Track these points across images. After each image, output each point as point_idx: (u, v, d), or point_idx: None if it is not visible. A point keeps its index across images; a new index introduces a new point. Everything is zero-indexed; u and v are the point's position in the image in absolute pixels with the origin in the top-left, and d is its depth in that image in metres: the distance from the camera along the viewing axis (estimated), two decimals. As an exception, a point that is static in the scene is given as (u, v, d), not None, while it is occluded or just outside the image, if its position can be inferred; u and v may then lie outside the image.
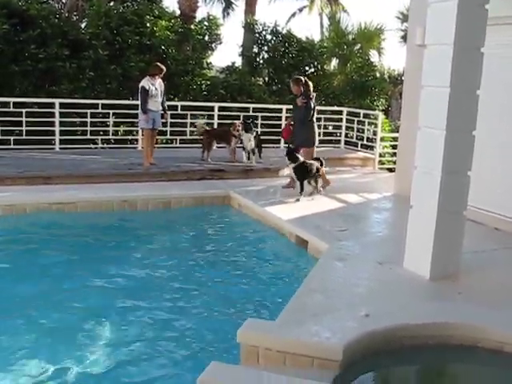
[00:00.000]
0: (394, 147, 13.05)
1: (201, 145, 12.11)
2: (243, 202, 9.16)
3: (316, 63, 17.86)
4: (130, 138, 14.00)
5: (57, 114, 12.46)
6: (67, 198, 8.73)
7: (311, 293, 5.16)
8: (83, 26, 16.29)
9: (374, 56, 20.65)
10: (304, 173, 9.23)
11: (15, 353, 4.56)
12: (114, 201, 8.87)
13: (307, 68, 17.68)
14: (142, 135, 11.71)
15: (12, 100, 12.26)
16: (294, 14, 32.11)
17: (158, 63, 11.40)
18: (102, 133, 13.57)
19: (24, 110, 12.23)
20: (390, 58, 24.89)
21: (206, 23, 16.73)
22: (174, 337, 4.93)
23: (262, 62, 17.99)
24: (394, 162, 11.89)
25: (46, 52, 13.73)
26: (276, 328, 4.27)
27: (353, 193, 10.06)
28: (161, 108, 11.06)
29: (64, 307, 5.40)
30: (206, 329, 5.07)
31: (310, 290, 5.23)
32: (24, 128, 12.21)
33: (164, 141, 13.81)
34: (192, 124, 13.42)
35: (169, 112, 11.59)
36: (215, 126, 13.38)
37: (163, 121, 11.47)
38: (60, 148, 12.42)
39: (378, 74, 18.74)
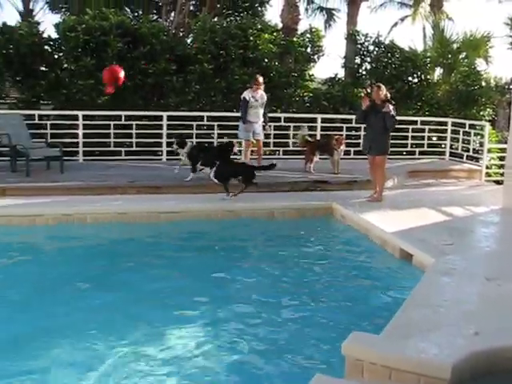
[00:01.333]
0: (502, 159, 12.61)
1: (304, 156, 12.24)
2: (346, 213, 9.15)
3: (419, 73, 17.52)
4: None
5: (164, 127, 13.01)
6: (176, 207, 9.08)
7: (417, 308, 5.10)
8: (189, 41, 16.88)
9: (480, 64, 19.99)
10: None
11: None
12: (219, 210, 9.15)
13: (410, 78, 17.38)
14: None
15: (123, 113, 12.94)
16: (395, 24, 31.63)
17: (257, 75, 11.71)
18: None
19: (134, 123, 12.89)
20: (497, 65, 24.02)
21: (308, 35, 16.83)
22: (279, 347, 5.01)
23: (364, 72, 17.90)
24: (502, 174, 11.49)
25: (155, 67, 14.32)
26: (381, 342, 4.27)
27: (458, 206, 9.81)
28: (261, 119, 11.31)
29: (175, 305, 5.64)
30: (309, 340, 5.12)
31: (416, 305, 5.16)
32: (134, 140, 12.85)
33: (267, 152, 14.05)
34: (295, 135, 13.57)
35: (272, 124, 11.82)
36: (318, 138, 13.47)
37: (265, 132, 11.72)
38: (167, 159, 12.93)
39: (484, 83, 18.11)
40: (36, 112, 13.06)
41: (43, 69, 14.59)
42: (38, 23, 15.35)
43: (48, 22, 17.58)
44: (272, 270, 7.01)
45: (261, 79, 11.46)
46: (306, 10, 25.37)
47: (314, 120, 14.12)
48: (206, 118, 13.40)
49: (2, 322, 5.30)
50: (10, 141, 11.23)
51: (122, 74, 9.49)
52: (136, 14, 20.69)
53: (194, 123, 13.31)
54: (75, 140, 12.76)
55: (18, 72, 14.31)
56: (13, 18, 25.47)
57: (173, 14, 21.00)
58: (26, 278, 6.60)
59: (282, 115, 13.90)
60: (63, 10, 21.79)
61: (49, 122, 12.84)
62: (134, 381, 4.36)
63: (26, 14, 20.95)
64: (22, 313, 5.56)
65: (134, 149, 12.95)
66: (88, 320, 5.37)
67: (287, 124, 13.83)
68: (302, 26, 18.91)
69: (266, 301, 6.00)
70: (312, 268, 7.17)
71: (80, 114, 12.76)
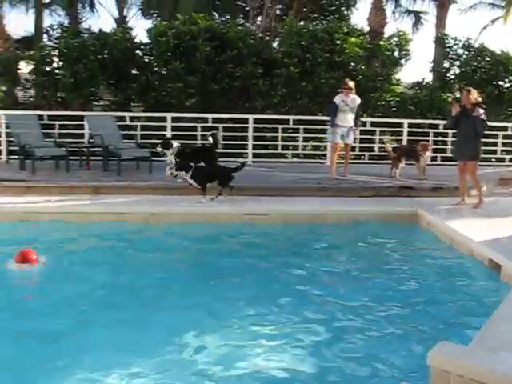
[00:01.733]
0: None
1: (389, 161, 12.11)
2: (432, 220, 8.97)
3: (512, 77, 16.97)
4: (318, 153, 14.40)
5: (250, 129, 13.20)
6: (260, 209, 9.19)
7: (505, 321, 4.96)
8: (275, 45, 17.04)
9: None
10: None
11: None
12: (303, 214, 9.18)
13: (501, 82, 16.82)
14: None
15: (210, 116, 13.22)
16: (485, 27, 30.63)
17: (347, 79, 11.67)
18: (291, 147, 14.06)
19: (221, 125, 13.14)
20: None
21: (395, 39, 16.63)
22: (365, 354, 5.00)
23: (452, 77, 17.48)
24: None
25: (242, 71, 14.54)
26: (469, 354, 4.17)
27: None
28: (350, 124, 11.27)
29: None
30: (394, 348, 5.08)
31: (504, 318, 5.02)
32: (220, 142, 13.09)
33: (353, 156, 14.00)
34: (380, 140, 13.46)
35: (358, 128, 11.78)
36: (404, 143, 13.29)
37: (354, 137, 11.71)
38: (252, 161, 13.12)
39: None
40: (127, 114, 13.56)
41: (135, 72, 15.14)
42: (131, 29, 15.94)
43: (140, 28, 18.27)
44: (357, 275, 6.98)
45: (351, 83, 11.38)
46: (393, 13, 24.98)
47: (400, 125, 13.93)
48: (291, 121, 13.50)
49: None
50: (102, 141, 11.73)
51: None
52: (224, 18, 21.06)
53: (280, 126, 13.44)
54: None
55: (112, 75, 14.94)
56: (108, 25, 26.45)
57: (259, 18, 21.25)
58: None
59: (369, 119, 13.81)
60: (154, 15, 22.52)
61: (139, 124, 13.31)
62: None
63: (121, 20, 21.76)
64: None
65: (220, 150, 13.17)
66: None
67: (373, 128, 13.72)
68: (388, 30, 18.75)
69: (351, 305, 5.98)
70: (397, 275, 7.08)
71: (169, 115, 13.15)
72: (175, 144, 10.75)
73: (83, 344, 4.87)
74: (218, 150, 11.19)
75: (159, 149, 10.77)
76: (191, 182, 9.80)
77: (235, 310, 5.69)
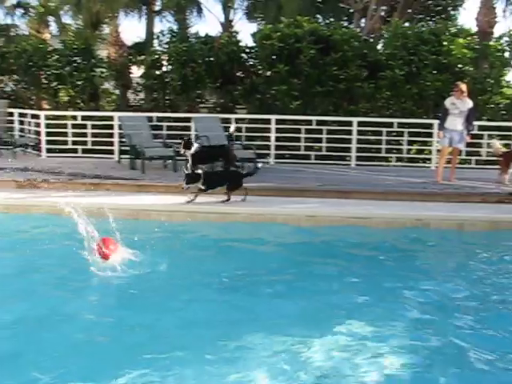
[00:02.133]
0: None
1: (498, 166, 11.71)
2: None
3: None
4: (422, 156, 14.14)
5: (354, 132, 13.17)
6: (363, 213, 9.16)
7: None
8: (380, 47, 16.87)
9: None
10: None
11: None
12: (407, 218, 9.05)
13: None
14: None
15: (314, 118, 13.32)
16: None
17: (458, 82, 11.37)
18: (395, 151, 13.90)
19: (324, 128, 13.20)
20: None
21: (506, 38, 16.02)
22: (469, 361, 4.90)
23: None
24: None
25: (346, 73, 14.51)
26: None
27: None
28: (459, 128, 10.98)
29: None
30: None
31: None
32: (324, 144, 13.18)
33: (459, 161, 13.63)
34: (488, 144, 13.04)
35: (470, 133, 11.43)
36: (514, 147, 12.82)
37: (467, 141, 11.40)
38: (355, 164, 13.09)
39: None
40: (232, 116, 13.90)
41: (240, 75, 15.47)
42: (237, 33, 16.35)
43: (245, 31, 18.65)
44: (458, 282, 6.81)
45: (462, 86, 11.02)
46: (504, 11, 24.04)
47: (509, 129, 13.43)
48: (395, 125, 13.33)
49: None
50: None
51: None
52: (327, 21, 21.08)
53: (384, 129, 13.31)
54: (267, 143, 13.36)
55: (218, 78, 15.34)
56: (214, 29, 27.17)
57: (363, 20, 21.10)
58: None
59: (476, 123, 13.38)
60: (259, 19, 22.89)
61: (244, 125, 13.59)
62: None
63: (226, 24, 22.27)
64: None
65: (323, 153, 13.28)
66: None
67: (481, 132, 13.30)
68: (498, 29, 18.08)
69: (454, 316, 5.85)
70: (499, 285, 6.85)
71: (273, 118, 13.35)
72: (196, 145, 10.67)
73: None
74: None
75: (182, 149, 10.62)
76: (203, 187, 9.76)
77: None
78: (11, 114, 15.04)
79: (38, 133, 14.37)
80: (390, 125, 13.44)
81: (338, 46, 14.76)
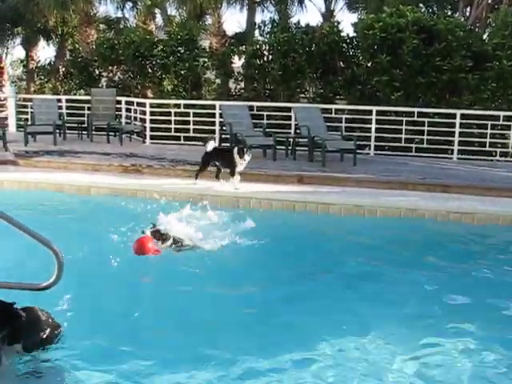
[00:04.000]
0: None
1: None
2: None
3: None
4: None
5: (457, 125, 12.82)
6: (466, 208, 8.94)
7: None
8: (486, 36, 16.28)
9: None
10: None
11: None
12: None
13: None
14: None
15: (416, 110, 13.07)
16: None
17: None
18: (499, 145, 13.43)
19: (426, 120, 12.94)
20: None
21: None
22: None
23: None
24: None
25: (450, 64, 14.11)
26: None
27: None
28: None
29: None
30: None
31: None
32: (425, 137, 12.93)
33: None
34: None
35: None
36: None
37: None
38: (458, 158, 12.76)
39: None
40: (333, 106, 13.89)
41: (340, 66, 15.40)
42: (339, 22, 16.20)
43: (346, 22, 18.49)
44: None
45: None
46: None
47: None
48: (502, 118, 12.87)
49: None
50: (308, 132, 12.14)
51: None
52: (431, 10, 20.53)
53: (489, 122, 12.87)
54: (367, 134, 13.26)
55: (318, 69, 15.35)
56: (315, 19, 27.11)
57: (469, 9, 20.38)
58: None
59: None
60: (360, 9, 22.63)
61: (344, 116, 13.55)
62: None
63: (327, 14, 22.17)
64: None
65: (425, 146, 13.03)
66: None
67: None
68: None
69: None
70: None
71: (374, 109, 13.22)
72: (212, 143, 10.44)
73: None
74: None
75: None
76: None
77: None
78: (119, 102, 15.71)
79: (143, 120, 14.93)
80: (497, 118, 12.97)
81: (441, 35, 14.36)
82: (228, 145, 12.53)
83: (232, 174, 9.93)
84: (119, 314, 5.31)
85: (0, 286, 4.11)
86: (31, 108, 15.46)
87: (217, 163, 10.37)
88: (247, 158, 9.83)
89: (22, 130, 14.58)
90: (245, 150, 9.89)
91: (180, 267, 6.46)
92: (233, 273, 6.54)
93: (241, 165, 9.90)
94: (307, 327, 5.17)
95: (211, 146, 10.30)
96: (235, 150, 10.01)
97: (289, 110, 13.68)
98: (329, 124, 13.16)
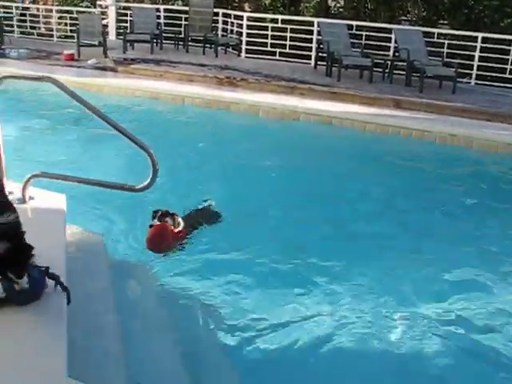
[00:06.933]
0: None
1: None
2: None
3: None
4: None
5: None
6: None
7: None
8: None
9: None
10: None
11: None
12: None
13: None
14: None
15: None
16: None
17: None
18: None
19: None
20: None
21: None
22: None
23: None
24: None
25: None
26: None
27: None
28: None
29: None
30: None
31: None
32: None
33: None
34: None
35: None
36: None
37: None
38: None
39: None
40: (435, 30, 13.28)
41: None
42: None
43: None
44: None
45: None
46: None
47: None
48: None
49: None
50: (408, 56, 11.70)
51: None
52: None
53: None
54: (469, 62, 12.64)
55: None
56: None
57: None
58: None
59: None
60: None
61: (446, 42, 12.94)
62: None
63: None
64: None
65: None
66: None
67: None
68: None
69: None
70: None
71: (480, 35, 12.51)
72: None
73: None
74: None
75: None
76: None
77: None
78: (216, 14, 15.59)
79: (239, 33, 14.82)
80: None
81: None
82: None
83: None
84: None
85: (98, 185, 4.33)
86: (130, 16, 15.62)
87: None
88: None
89: (121, 37, 14.86)
90: None
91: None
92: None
93: None
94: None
95: None
96: None
97: (389, 31, 13.15)
98: (430, 49, 12.59)
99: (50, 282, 2.63)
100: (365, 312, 4.29)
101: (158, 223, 4.96)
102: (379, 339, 4.00)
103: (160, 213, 5.03)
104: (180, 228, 5.07)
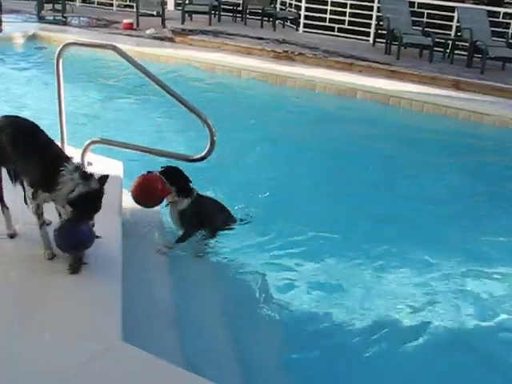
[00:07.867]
0: None
1: None
2: None
3: None
4: None
5: None
6: None
7: None
8: None
9: None
10: None
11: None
12: None
13: None
14: None
15: None
16: None
17: None
18: None
19: None
20: None
21: None
22: None
23: None
24: None
25: None
26: None
27: None
28: None
29: None
30: None
31: None
32: None
33: None
34: None
35: None
36: None
37: None
38: None
39: None
40: (501, 9, 12.88)
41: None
42: None
43: None
44: None
45: None
46: None
47: None
48: None
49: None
50: (471, 36, 11.39)
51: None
52: None
53: None
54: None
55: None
56: None
57: None
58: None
59: None
60: None
61: (512, 22, 12.53)
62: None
63: None
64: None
65: None
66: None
67: None
68: None
69: None
70: None
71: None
72: None
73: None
74: None
75: None
76: None
77: None
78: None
79: (298, 7, 14.66)
80: None
81: None
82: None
83: None
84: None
85: (156, 154, 4.39)
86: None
87: None
88: None
89: (179, 8, 14.90)
90: None
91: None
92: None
93: None
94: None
95: None
96: None
97: (452, 9, 12.80)
98: (494, 29, 12.21)
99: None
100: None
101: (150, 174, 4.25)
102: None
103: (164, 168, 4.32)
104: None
